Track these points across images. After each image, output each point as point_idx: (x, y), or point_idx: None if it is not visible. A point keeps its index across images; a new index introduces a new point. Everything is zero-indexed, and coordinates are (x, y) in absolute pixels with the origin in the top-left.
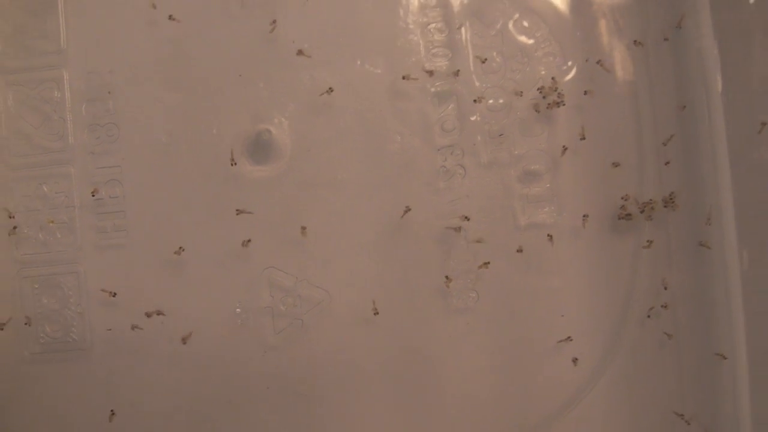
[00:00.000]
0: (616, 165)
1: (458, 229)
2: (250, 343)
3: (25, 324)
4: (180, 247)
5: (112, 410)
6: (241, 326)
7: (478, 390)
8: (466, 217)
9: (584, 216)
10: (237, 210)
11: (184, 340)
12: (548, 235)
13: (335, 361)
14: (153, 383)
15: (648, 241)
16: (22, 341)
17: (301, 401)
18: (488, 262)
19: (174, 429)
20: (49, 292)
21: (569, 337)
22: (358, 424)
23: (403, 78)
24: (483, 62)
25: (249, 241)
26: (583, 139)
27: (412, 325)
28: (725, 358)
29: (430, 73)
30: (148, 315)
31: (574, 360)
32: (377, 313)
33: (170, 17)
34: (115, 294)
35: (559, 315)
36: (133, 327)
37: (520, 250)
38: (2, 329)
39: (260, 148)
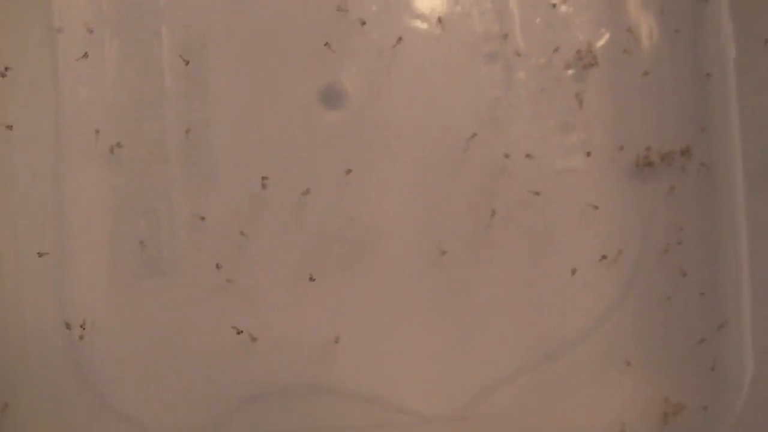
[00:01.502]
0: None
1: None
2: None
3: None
4: (263, 178)
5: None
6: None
7: (508, 303)
8: (506, 155)
9: (616, 156)
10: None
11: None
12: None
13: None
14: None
15: (671, 186)
16: (117, 262)
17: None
18: (538, 192)
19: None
20: (144, 216)
21: (604, 256)
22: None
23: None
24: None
25: (308, 190)
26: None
27: (457, 260)
28: None
29: (484, 34)
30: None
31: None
32: (445, 253)
33: None
34: (203, 218)
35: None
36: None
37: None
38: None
39: (333, 95)
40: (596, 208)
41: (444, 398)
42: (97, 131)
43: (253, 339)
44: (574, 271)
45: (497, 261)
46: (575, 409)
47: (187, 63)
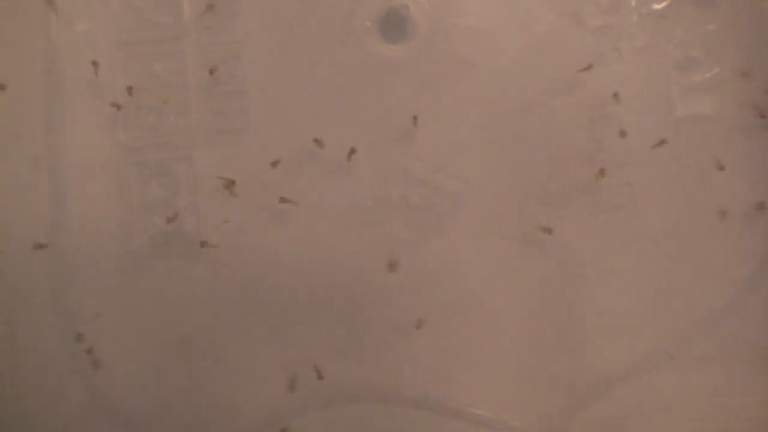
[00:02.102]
0: None
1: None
2: (378, 239)
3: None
4: (315, 140)
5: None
6: (372, 221)
7: (625, 292)
8: (615, 94)
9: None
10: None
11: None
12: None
13: (475, 258)
14: (273, 285)
15: None
16: (129, 232)
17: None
18: (656, 145)
19: (298, 332)
20: (159, 179)
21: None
22: (488, 320)
23: None
24: None
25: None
26: None
27: (559, 223)
28: None
29: None
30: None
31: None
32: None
33: None
34: (234, 182)
35: (720, 216)
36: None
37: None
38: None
39: (395, 24)
40: (722, 168)
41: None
42: (95, 64)
43: (319, 376)
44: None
45: (607, 237)
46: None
47: None
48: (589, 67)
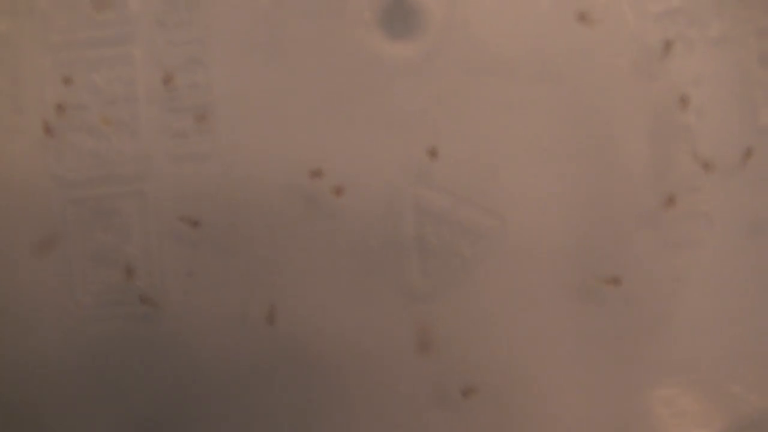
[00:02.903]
0: None
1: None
2: (387, 290)
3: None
4: (312, 171)
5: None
6: (375, 266)
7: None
8: (682, 98)
9: None
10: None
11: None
12: None
13: (509, 311)
14: (241, 348)
15: None
16: (67, 289)
17: (459, 369)
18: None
19: (271, 399)
20: (104, 221)
21: None
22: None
23: None
24: None
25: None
26: None
27: (615, 265)
28: None
29: None
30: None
31: None
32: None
33: None
34: (197, 223)
35: None
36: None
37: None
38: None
39: (401, 15)
40: None
41: None
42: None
43: None
44: None
45: (678, 282)
46: None
47: None
48: (654, 64)
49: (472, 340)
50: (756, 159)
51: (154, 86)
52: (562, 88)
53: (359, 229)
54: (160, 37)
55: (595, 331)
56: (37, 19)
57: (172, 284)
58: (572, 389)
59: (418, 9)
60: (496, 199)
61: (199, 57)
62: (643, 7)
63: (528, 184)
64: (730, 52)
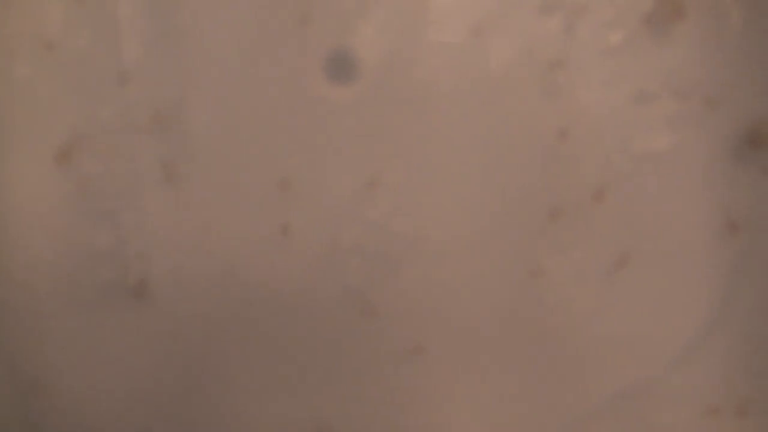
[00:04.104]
0: None
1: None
2: (332, 287)
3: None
4: (286, 183)
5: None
6: (323, 267)
7: (586, 333)
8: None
9: (713, 133)
10: None
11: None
12: None
13: (430, 304)
14: (219, 330)
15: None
16: (71, 285)
17: (391, 349)
18: (607, 185)
19: (245, 378)
20: (104, 229)
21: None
22: (452, 371)
23: None
24: None
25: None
26: None
27: (516, 264)
28: None
29: None
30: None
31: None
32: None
33: None
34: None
35: (680, 251)
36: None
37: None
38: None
39: (340, 64)
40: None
41: None
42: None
43: None
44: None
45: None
46: None
47: None
48: (545, 101)
49: (398, 327)
50: (629, 179)
51: (146, 120)
52: (474, 122)
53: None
54: (150, 80)
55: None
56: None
57: (159, 280)
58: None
59: (354, 58)
60: (422, 213)
61: (183, 97)
62: (537, 55)
63: (447, 200)
64: (609, 90)
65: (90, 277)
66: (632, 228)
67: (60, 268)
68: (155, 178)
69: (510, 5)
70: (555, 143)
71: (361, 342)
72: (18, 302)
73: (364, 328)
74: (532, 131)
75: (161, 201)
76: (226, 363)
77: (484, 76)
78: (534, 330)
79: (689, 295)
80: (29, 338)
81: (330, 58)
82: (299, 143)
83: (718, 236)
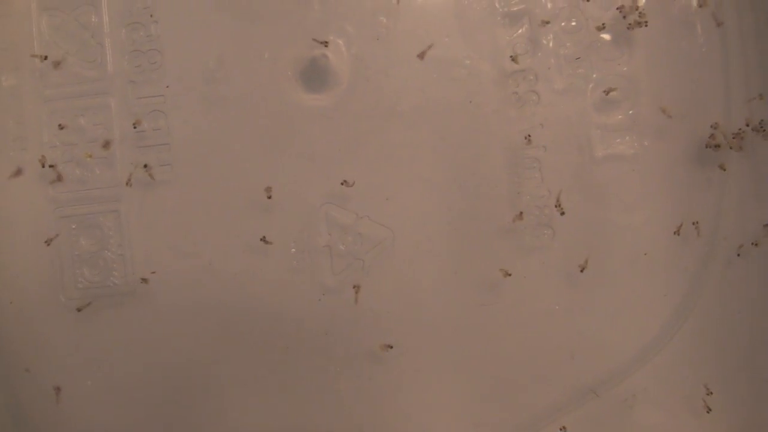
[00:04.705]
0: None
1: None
2: (306, 286)
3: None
4: (269, 189)
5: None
6: (297, 268)
7: (550, 333)
8: (527, 138)
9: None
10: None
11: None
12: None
13: (399, 304)
14: (200, 330)
15: (721, 165)
16: (59, 286)
17: (361, 348)
18: (572, 188)
19: (225, 378)
20: (88, 232)
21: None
22: (421, 368)
23: None
24: None
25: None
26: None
27: (481, 265)
28: None
29: None
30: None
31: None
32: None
33: None
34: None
35: (642, 254)
36: (177, 270)
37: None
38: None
39: (316, 74)
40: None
41: None
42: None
43: None
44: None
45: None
46: None
47: None
48: (510, 110)
49: (368, 325)
50: (591, 182)
51: (126, 129)
52: (440, 130)
53: (285, 240)
54: (131, 92)
55: (459, 314)
56: (36, 76)
57: (139, 279)
58: (444, 360)
59: (329, 70)
60: (388, 216)
61: (161, 108)
62: (501, 66)
63: (413, 204)
64: (571, 100)
65: (72, 280)
66: (595, 230)
67: (44, 270)
68: (136, 183)
69: (475, 16)
70: (520, 149)
71: (336, 340)
72: (3, 304)
73: (338, 327)
74: (498, 137)
75: (143, 206)
76: (208, 363)
77: (451, 84)
78: (501, 328)
79: (653, 294)
80: (15, 340)
81: (306, 70)
82: (277, 150)
83: (680, 237)
